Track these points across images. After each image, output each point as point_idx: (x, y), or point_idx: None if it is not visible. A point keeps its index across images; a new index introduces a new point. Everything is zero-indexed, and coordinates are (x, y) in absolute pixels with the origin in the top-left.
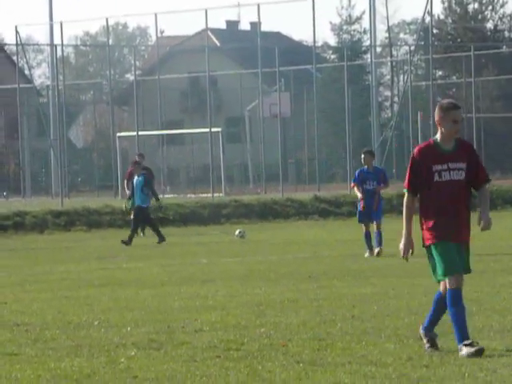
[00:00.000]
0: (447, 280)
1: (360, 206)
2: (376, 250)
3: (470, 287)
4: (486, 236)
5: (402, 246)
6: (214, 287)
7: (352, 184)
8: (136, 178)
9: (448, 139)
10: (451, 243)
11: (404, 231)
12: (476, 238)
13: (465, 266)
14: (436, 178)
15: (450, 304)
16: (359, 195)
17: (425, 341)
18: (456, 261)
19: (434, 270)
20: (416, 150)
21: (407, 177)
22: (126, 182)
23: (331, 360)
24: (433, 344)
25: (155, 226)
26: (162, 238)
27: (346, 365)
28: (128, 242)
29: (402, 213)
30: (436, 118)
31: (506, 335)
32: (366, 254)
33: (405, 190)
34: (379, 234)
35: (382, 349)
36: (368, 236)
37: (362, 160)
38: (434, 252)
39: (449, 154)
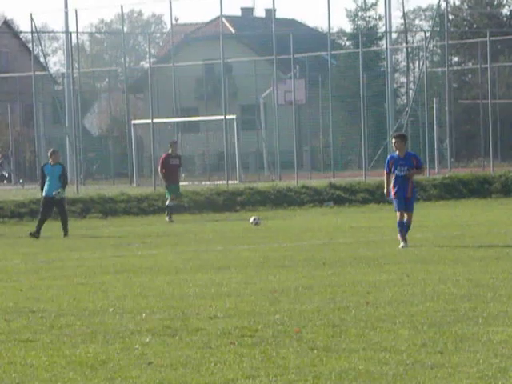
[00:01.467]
0: None
1: (391, 193)
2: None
3: (485, 274)
4: (501, 222)
5: None
6: (228, 274)
7: (385, 172)
8: (51, 166)
9: None
10: None
11: None
12: (491, 224)
13: None
14: None
15: None
16: (385, 190)
17: None
18: None
19: None
20: None
21: None
22: (160, 168)
23: (345, 346)
24: None
25: (44, 219)
26: (37, 234)
27: (360, 351)
28: (36, 234)
29: (417, 200)
30: None
31: None
32: (401, 245)
33: None
34: (408, 225)
35: (396, 335)
36: (402, 225)
37: (393, 145)
38: None
39: None
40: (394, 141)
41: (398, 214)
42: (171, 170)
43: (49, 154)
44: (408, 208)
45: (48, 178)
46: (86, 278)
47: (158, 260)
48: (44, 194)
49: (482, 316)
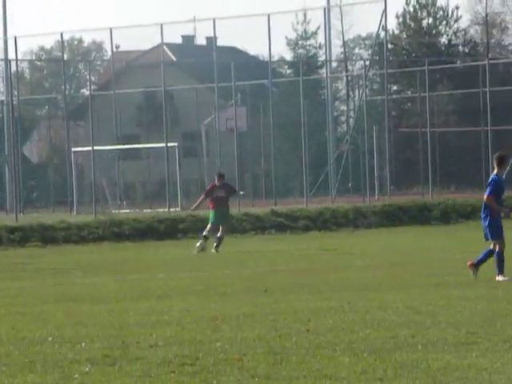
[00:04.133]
0: None
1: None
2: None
3: (424, 300)
4: (440, 249)
5: None
6: (169, 302)
7: (489, 197)
8: None
9: None
10: None
11: None
12: (431, 251)
13: None
14: None
15: None
16: (495, 208)
17: None
18: None
19: None
20: None
21: None
22: (204, 195)
23: (286, 374)
24: None
25: None
26: None
27: (301, 379)
28: None
29: (357, 227)
30: None
31: (460, 348)
32: (502, 278)
33: None
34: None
35: (336, 362)
36: (503, 256)
37: (498, 165)
38: None
39: None
40: (498, 160)
41: (499, 242)
42: (217, 200)
43: None
44: None
45: None
46: (24, 307)
47: (98, 288)
48: None
49: (421, 343)
